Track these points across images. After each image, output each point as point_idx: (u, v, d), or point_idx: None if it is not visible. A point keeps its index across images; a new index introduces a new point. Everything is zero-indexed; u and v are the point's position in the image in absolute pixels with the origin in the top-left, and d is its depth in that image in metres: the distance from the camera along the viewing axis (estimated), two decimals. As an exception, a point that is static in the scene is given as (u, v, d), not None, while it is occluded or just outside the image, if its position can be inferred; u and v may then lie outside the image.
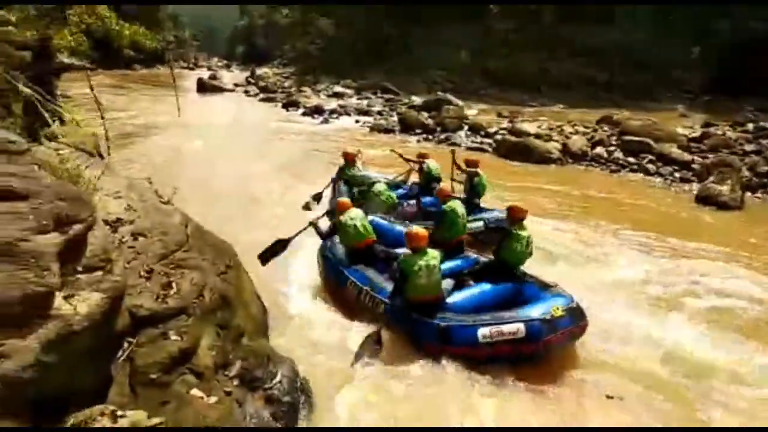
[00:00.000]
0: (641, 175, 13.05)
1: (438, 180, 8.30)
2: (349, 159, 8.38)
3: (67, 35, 9.47)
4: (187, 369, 3.43)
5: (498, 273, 5.53)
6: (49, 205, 2.63)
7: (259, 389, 3.72)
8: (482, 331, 4.60)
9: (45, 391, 2.46)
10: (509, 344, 4.60)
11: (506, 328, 4.62)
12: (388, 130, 18.61)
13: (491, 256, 5.78)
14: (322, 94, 30.56)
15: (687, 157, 13.44)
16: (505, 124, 18.28)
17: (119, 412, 2.62)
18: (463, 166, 8.11)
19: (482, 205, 7.95)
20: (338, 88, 31.89)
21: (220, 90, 31.52)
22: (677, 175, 12.75)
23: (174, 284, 3.80)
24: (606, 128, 16.43)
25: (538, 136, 15.38)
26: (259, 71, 44.29)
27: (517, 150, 14.29)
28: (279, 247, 6.13)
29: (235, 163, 12.37)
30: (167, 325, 3.50)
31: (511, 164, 13.62)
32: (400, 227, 6.70)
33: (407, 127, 18.66)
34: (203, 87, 31.22)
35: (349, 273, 5.82)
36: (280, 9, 67.14)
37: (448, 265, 5.70)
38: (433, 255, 5.01)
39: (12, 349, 2.29)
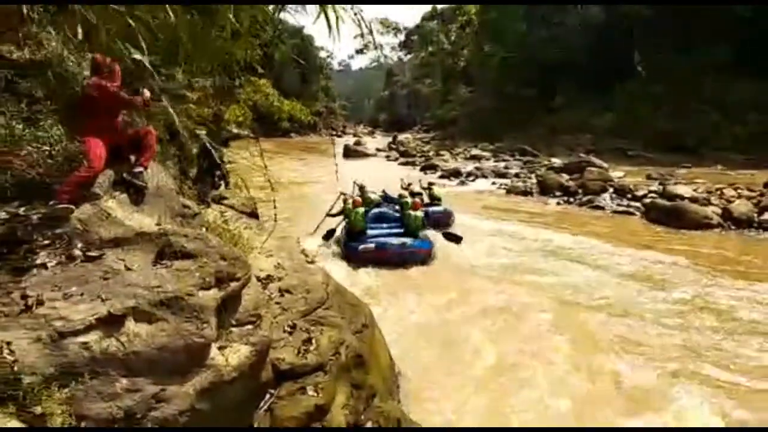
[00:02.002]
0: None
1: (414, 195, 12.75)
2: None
3: (236, 110, 10.80)
4: (320, 426, 3.52)
5: (407, 233, 10.15)
6: (212, 264, 2.95)
7: (388, 454, 3.69)
8: (361, 247, 9.59)
9: (194, 437, 2.67)
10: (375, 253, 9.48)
11: (370, 246, 9.54)
12: (525, 193, 18.25)
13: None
14: (460, 157, 31.03)
15: None
16: (654, 186, 16.98)
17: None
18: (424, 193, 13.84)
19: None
20: (475, 151, 32.19)
21: (363, 155, 33.47)
22: None
23: (314, 340, 3.98)
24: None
25: (693, 199, 14.04)
26: (401, 137, 46.35)
27: (670, 214, 13.11)
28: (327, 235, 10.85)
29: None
30: (306, 380, 3.65)
31: (663, 230, 12.49)
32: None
33: (546, 189, 18.14)
34: (349, 152, 33.42)
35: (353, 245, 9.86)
36: (423, 79, 70.64)
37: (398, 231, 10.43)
38: (359, 210, 10.29)
39: (172, 395, 2.54)
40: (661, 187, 16.32)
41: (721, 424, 4.77)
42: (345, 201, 11.43)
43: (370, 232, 10.16)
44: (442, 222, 12.11)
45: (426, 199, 13.17)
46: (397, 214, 11.21)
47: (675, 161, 23.25)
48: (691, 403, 5.05)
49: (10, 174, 3.18)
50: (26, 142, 3.28)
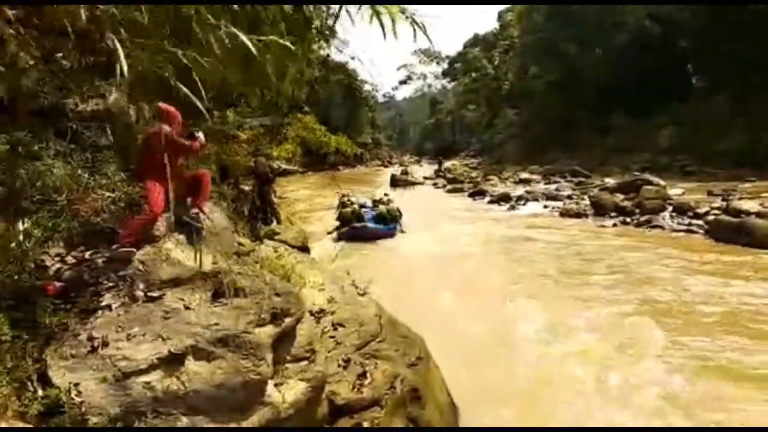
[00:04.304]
0: None
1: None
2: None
3: (285, 148, 11.14)
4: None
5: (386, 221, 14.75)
6: (267, 300, 3.00)
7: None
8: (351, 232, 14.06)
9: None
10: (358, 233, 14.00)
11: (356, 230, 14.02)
12: (579, 215, 17.71)
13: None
14: (509, 181, 30.60)
15: None
16: (717, 203, 16.16)
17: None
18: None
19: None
20: (525, 175, 31.68)
21: (411, 184, 33.51)
22: None
23: (368, 374, 3.95)
24: None
25: (761, 215, 13.26)
26: (447, 164, 46.29)
27: (737, 232, 12.41)
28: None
29: (420, 248, 12.86)
30: (362, 416, 3.61)
31: (730, 248, 11.77)
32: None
33: (601, 210, 17.55)
34: (395, 182, 33.54)
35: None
36: (467, 106, 70.89)
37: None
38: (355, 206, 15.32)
39: (231, 433, 2.57)
40: (724, 203, 15.53)
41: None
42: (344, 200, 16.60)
43: (358, 222, 14.53)
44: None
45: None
46: (375, 212, 15.41)
47: (737, 176, 22.13)
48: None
49: (77, 220, 3.37)
50: (91, 189, 3.47)
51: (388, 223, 14.88)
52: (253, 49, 2.23)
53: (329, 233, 14.80)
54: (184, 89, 3.92)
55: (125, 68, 2.13)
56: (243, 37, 2.30)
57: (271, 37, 2.53)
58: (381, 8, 3.50)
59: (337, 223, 15.11)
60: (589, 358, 6.30)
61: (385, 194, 18.27)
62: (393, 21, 3.54)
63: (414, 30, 3.94)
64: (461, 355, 6.10)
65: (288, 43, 2.78)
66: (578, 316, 7.64)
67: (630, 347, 6.54)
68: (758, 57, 26.26)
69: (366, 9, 3.62)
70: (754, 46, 26.41)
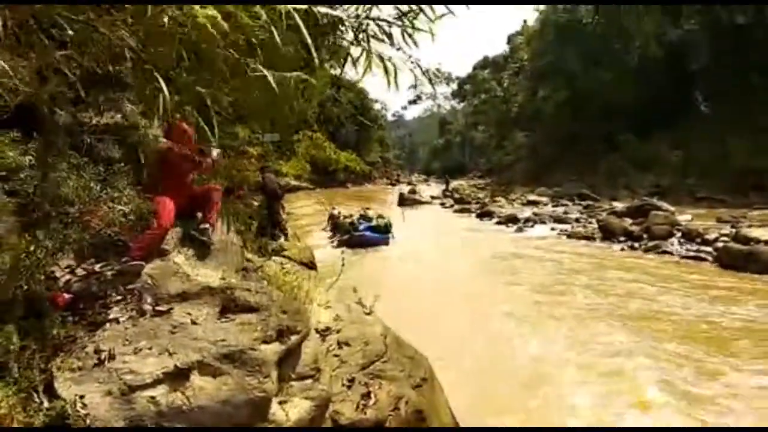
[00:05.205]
0: None
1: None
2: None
3: (295, 164, 11.21)
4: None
5: (381, 231, 16.53)
6: (274, 317, 3.00)
7: None
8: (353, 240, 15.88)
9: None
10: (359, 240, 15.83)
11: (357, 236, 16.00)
12: (587, 238, 17.64)
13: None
14: (516, 203, 30.56)
15: None
16: (726, 229, 16.05)
17: None
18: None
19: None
20: (532, 197, 31.63)
21: (418, 203, 33.52)
22: None
23: (372, 394, 3.92)
24: None
25: (769, 242, 13.15)
26: (455, 184, 46.32)
27: (746, 259, 12.30)
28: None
29: (423, 266, 12.85)
30: (365, 438, 3.58)
31: (739, 275, 11.67)
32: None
33: (609, 234, 17.48)
34: (403, 200, 33.56)
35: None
36: (476, 126, 71.25)
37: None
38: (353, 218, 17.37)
39: (234, 451, 2.55)
40: (733, 230, 15.43)
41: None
42: (333, 217, 18.68)
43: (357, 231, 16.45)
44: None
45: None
46: (372, 223, 17.08)
47: (747, 203, 22.00)
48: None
49: (88, 233, 3.40)
50: (103, 202, 3.51)
51: (382, 233, 16.90)
52: (274, 86, 2.25)
53: (330, 239, 17.20)
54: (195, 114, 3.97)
55: (168, 106, 2.16)
56: (269, 76, 2.33)
57: (295, 73, 2.55)
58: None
59: (330, 233, 17.97)
60: (586, 376, 6.31)
61: (380, 216, 20.08)
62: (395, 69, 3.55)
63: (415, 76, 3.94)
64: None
65: (306, 76, 2.81)
66: (566, 336, 7.71)
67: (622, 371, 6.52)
68: (764, 81, 26.39)
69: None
70: (759, 69, 26.59)
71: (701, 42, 30.21)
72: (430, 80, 3.99)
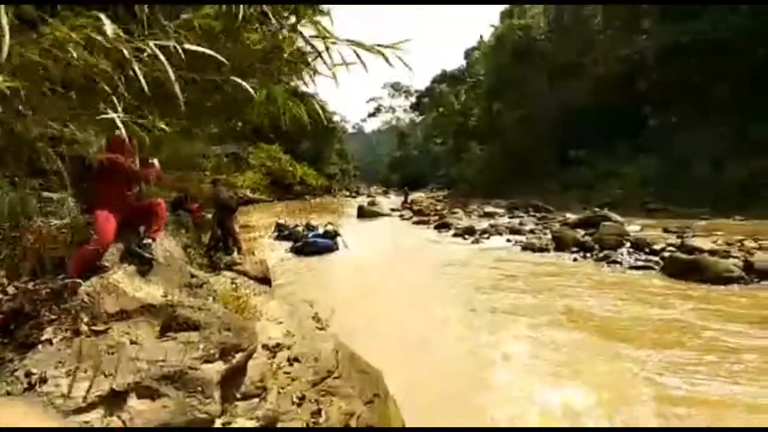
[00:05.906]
0: None
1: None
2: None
3: (251, 176, 11.05)
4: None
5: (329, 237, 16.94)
6: (217, 335, 2.92)
7: None
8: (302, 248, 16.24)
9: None
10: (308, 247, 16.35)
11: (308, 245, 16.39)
12: (541, 249, 17.99)
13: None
14: (474, 215, 30.94)
15: None
16: (672, 240, 16.70)
17: None
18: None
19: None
20: (489, 209, 32.12)
21: (377, 215, 33.54)
22: None
23: (323, 412, 3.85)
24: (802, 241, 14.19)
25: (713, 252, 13.75)
26: (414, 196, 46.65)
27: (689, 269, 12.80)
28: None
29: (380, 277, 12.86)
30: (315, 456, 3.51)
31: (682, 284, 12.13)
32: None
33: (562, 245, 17.89)
34: (363, 213, 33.55)
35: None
36: (434, 139, 72.13)
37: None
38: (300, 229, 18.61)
39: (174, 476, 2.45)
40: (679, 240, 16.06)
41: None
42: (280, 226, 20.46)
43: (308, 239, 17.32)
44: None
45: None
46: (321, 231, 18.31)
47: (693, 214, 22.99)
48: None
49: (22, 248, 3.24)
50: (37, 215, 3.35)
51: (330, 239, 17.82)
52: (248, 88, 2.20)
53: (279, 244, 18.32)
54: (152, 117, 3.85)
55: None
56: (243, 83, 2.27)
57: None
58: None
59: (278, 242, 19.12)
60: (531, 375, 6.43)
61: (329, 222, 21.36)
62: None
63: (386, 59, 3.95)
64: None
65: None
66: (516, 337, 7.91)
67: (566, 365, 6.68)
68: (719, 97, 27.76)
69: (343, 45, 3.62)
70: (715, 86, 27.97)
71: (650, 59, 31.63)
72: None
